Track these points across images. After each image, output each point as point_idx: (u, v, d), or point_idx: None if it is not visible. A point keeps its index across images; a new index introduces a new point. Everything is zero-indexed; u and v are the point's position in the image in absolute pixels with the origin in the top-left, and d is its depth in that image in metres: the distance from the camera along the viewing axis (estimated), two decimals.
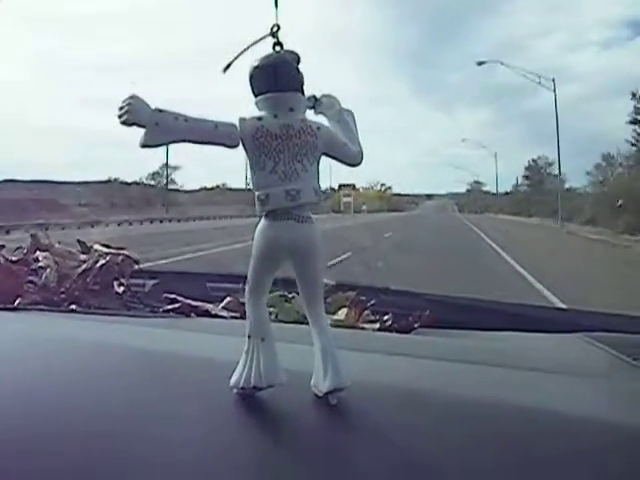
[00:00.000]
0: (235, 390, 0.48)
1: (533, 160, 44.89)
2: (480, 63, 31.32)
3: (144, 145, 0.46)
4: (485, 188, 61.01)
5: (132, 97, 0.46)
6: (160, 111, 0.46)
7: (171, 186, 42.25)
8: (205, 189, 48.54)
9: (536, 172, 43.34)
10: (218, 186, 48.84)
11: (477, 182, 63.69)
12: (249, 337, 0.49)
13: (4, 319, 0.83)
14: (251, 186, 0.49)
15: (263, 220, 0.48)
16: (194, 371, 0.56)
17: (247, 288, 0.50)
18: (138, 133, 0.46)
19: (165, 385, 0.53)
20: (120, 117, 0.45)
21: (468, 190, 68.20)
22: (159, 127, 0.46)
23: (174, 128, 0.46)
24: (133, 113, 0.45)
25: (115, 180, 39.13)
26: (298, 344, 0.59)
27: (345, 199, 53.00)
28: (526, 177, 45.02)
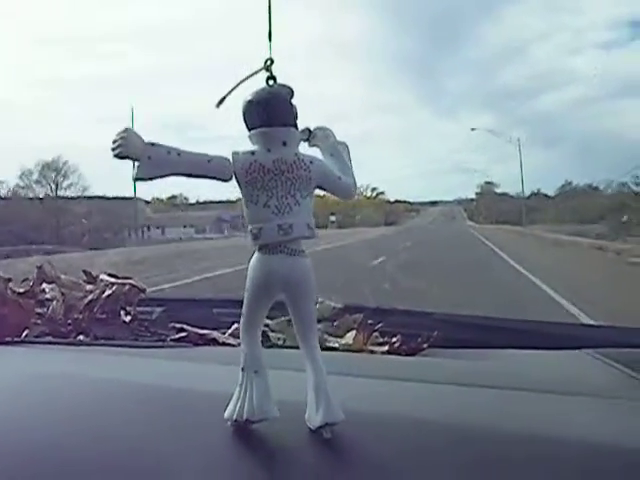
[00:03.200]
0: (229, 423, 0.49)
1: None
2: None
3: (137, 178, 0.46)
4: (499, 190, 50.06)
5: (126, 130, 0.46)
6: (152, 145, 0.46)
7: None
8: None
9: None
10: None
11: (489, 183, 53.30)
12: (242, 369, 0.49)
13: (11, 354, 0.83)
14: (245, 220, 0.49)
15: (256, 254, 0.48)
16: (198, 404, 0.56)
17: (241, 322, 0.50)
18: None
19: (168, 420, 0.53)
20: (113, 150, 0.46)
21: (478, 193, 57.37)
22: (152, 160, 0.46)
23: (167, 162, 0.46)
24: (126, 147, 0.46)
25: None
26: (304, 372, 0.59)
27: None
28: None
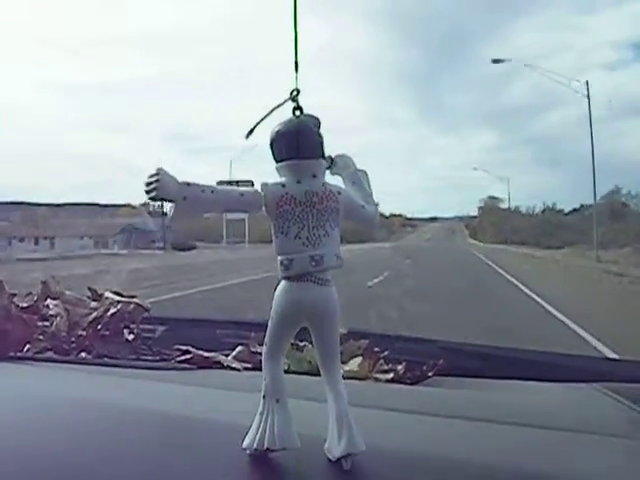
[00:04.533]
0: (248, 451, 0.48)
1: None
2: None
3: (174, 219, 0.46)
4: (504, 205, 44.63)
5: (159, 172, 0.46)
6: (188, 185, 0.47)
7: None
8: None
9: None
10: None
11: (492, 197, 50.73)
12: (264, 397, 0.49)
13: (12, 371, 0.82)
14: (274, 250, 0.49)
15: (283, 282, 0.48)
16: (206, 432, 0.56)
17: (265, 348, 0.49)
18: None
19: (177, 448, 0.52)
20: (148, 192, 0.46)
21: (480, 208, 54.69)
22: (187, 201, 0.46)
23: (202, 200, 0.47)
24: (161, 189, 0.46)
25: None
26: (311, 401, 0.58)
27: (229, 216, 23.20)
28: None
